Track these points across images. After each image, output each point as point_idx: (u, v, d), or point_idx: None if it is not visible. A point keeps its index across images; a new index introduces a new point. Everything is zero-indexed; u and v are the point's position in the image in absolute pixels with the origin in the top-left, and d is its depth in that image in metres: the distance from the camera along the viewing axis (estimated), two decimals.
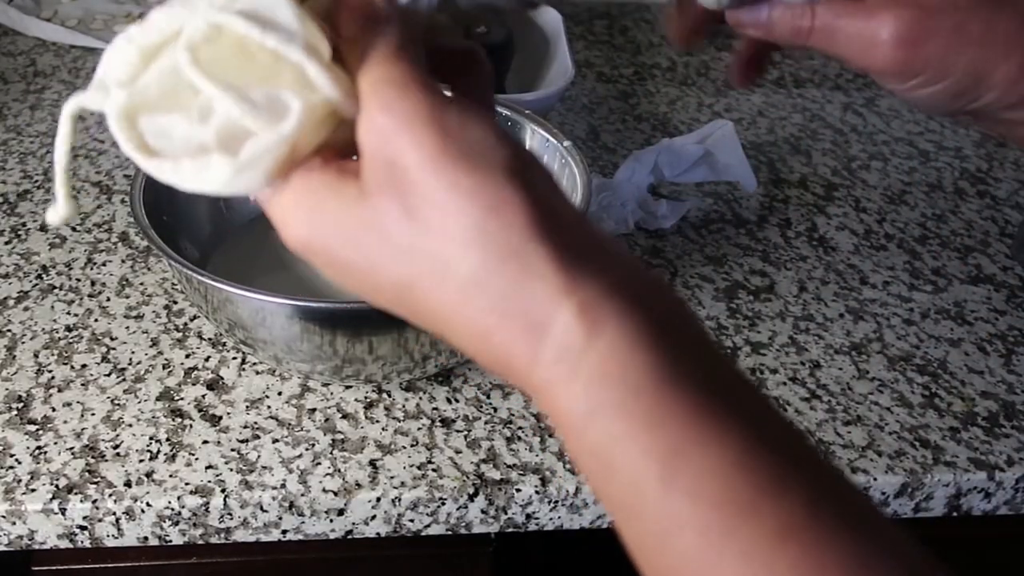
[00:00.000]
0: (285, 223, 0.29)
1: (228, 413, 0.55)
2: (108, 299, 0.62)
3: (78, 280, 0.63)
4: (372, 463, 0.52)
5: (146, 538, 0.51)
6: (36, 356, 0.58)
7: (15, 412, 0.54)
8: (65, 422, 0.53)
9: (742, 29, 0.43)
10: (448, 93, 0.29)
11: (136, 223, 0.53)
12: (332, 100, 0.29)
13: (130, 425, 0.54)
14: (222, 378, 0.57)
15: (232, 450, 0.52)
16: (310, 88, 0.29)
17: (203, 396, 0.56)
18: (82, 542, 0.51)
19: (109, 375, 0.57)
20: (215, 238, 0.62)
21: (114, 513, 0.50)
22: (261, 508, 0.50)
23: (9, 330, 0.59)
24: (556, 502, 0.52)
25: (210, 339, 0.59)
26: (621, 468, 0.24)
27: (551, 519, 0.53)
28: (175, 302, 0.62)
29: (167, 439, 0.53)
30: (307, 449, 0.53)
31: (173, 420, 0.54)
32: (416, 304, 0.28)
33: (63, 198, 0.33)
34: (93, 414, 0.54)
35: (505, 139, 0.27)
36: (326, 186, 0.28)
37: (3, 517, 0.49)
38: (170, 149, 0.29)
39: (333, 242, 0.28)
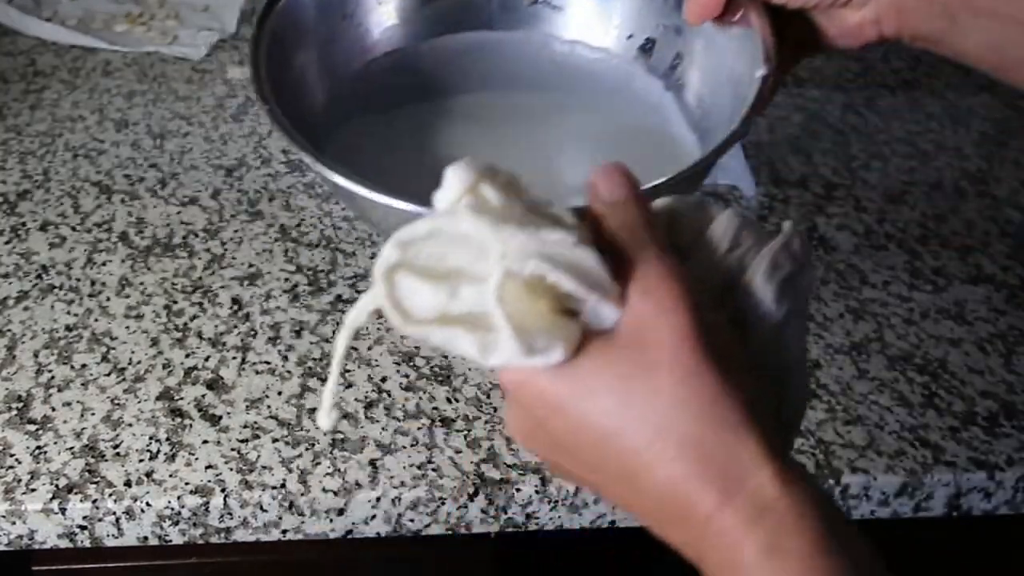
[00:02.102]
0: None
1: (228, 413, 0.55)
2: (108, 299, 0.62)
3: (78, 280, 0.63)
4: (372, 463, 0.52)
5: (146, 538, 0.51)
6: (36, 356, 0.58)
7: (15, 412, 0.54)
8: (65, 422, 0.53)
9: None
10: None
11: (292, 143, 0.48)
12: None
13: (130, 425, 0.54)
14: (222, 378, 0.57)
15: (232, 450, 0.52)
16: (598, 320, 0.33)
17: (203, 396, 0.56)
18: (82, 542, 0.51)
19: (109, 375, 0.57)
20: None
21: (114, 513, 0.50)
22: (261, 508, 0.50)
23: (9, 330, 0.59)
24: (556, 502, 0.52)
25: (210, 339, 0.59)
26: None
27: (551, 519, 0.53)
28: (175, 302, 0.62)
29: (167, 439, 0.53)
30: (307, 449, 0.53)
31: (173, 420, 0.54)
32: (610, 453, 0.32)
33: (328, 407, 0.37)
34: (93, 414, 0.54)
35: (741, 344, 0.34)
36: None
37: (3, 517, 0.49)
38: (414, 308, 0.33)
39: (556, 388, 0.33)
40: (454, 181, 0.34)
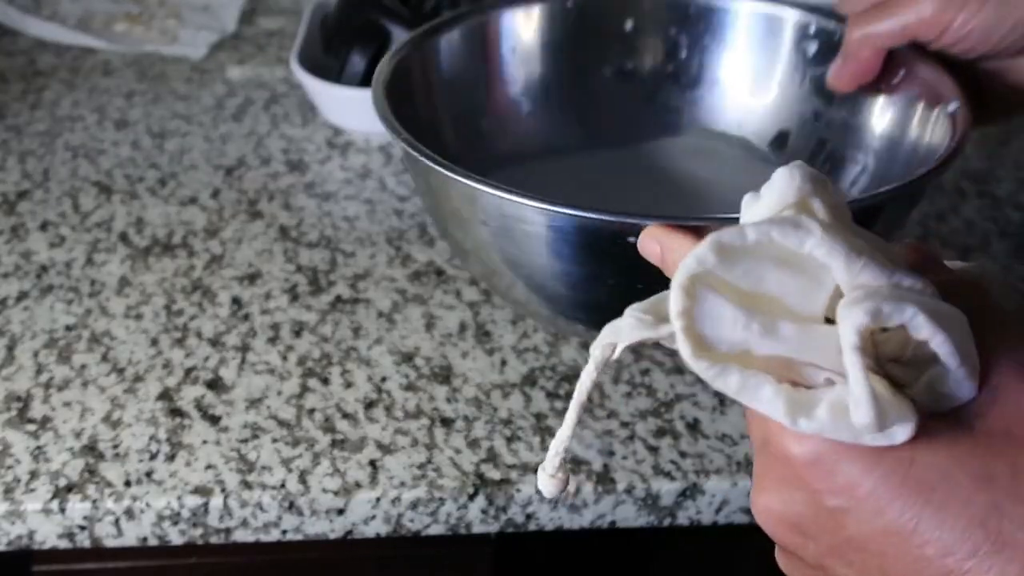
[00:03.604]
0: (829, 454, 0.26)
1: (228, 413, 0.55)
2: (108, 299, 0.62)
3: (77, 280, 0.63)
4: (372, 463, 0.52)
5: (146, 538, 0.51)
6: (36, 356, 0.58)
7: (15, 412, 0.54)
8: (65, 422, 0.53)
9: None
10: None
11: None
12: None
13: (130, 425, 0.54)
14: (222, 378, 0.57)
15: (232, 450, 0.52)
16: (945, 397, 0.26)
17: (203, 396, 0.56)
18: (82, 542, 0.51)
19: (109, 375, 0.57)
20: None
21: (114, 513, 0.50)
22: (261, 508, 0.50)
23: (9, 330, 0.59)
24: (556, 502, 0.52)
25: (210, 339, 0.59)
26: None
27: (551, 519, 0.53)
28: (175, 302, 0.62)
29: (167, 439, 0.53)
30: (307, 449, 0.53)
31: (173, 420, 0.54)
32: (921, 546, 0.25)
33: (552, 469, 0.32)
34: (93, 414, 0.54)
35: None
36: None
37: (3, 517, 0.49)
38: (712, 335, 0.26)
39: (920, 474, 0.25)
40: (787, 187, 0.27)
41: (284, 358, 0.58)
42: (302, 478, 0.51)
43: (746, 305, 0.26)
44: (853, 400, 0.25)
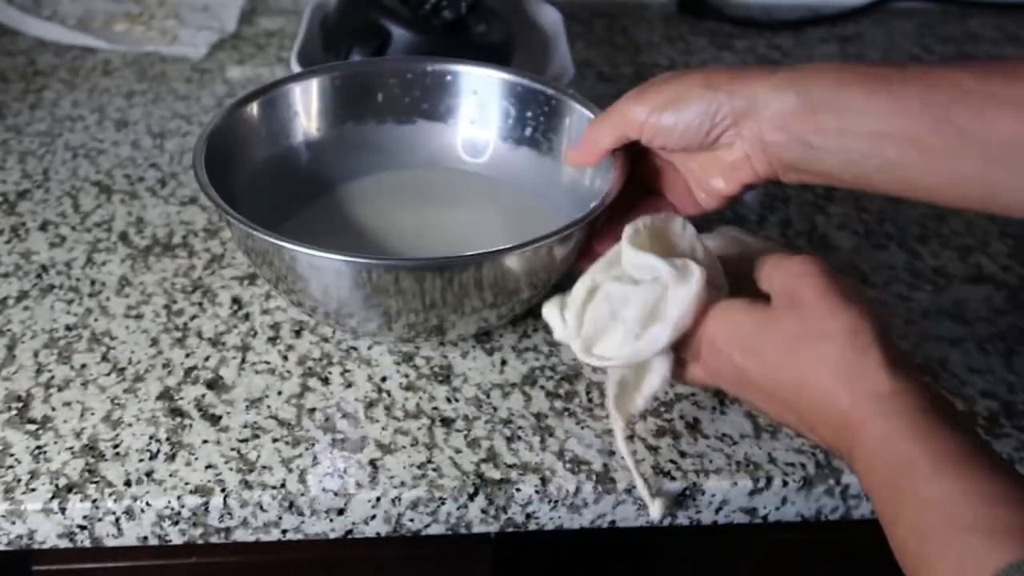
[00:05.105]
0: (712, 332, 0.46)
1: (228, 412, 0.55)
2: (108, 298, 0.62)
3: (78, 280, 0.63)
4: (372, 463, 0.52)
5: (146, 538, 0.51)
6: (36, 356, 0.58)
7: (15, 412, 0.54)
8: (65, 421, 0.53)
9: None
10: None
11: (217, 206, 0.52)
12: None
13: (130, 425, 0.54)
14: (222, 377, 0.57)
15: (232, 449, 0.52)
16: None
17: (203, 396, 0.56)
18: (82, 542, 0.51)
19: (109, 375, 0.57)
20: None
21: (114, 513, 0.50)
22: (261, 508, 0.50)
23: (9, 330, 0.59)
24: (556, 502, 0.52)
25: (210, 339, 0.59)
26: (901, 459, 0.40)
27: (551, 519, 0.53)
28: (175, 302, 0.62)
29: (167, 439, 0.53)
30: (307, 448, 0.53)
31: (173, 419, 0.54)
32: (781, 376, 0.44)
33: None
34: (93, 413, 0.54)
35: (862, 292, 0.45)
36: (745, 311, 0.46)
37: (3, 517, 0.49)
38: (608, 350, 0.48)
39: (750, 342, 0.45)
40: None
41: (284, 358, 0.58)
42: (302, 478, 0.51)
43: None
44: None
